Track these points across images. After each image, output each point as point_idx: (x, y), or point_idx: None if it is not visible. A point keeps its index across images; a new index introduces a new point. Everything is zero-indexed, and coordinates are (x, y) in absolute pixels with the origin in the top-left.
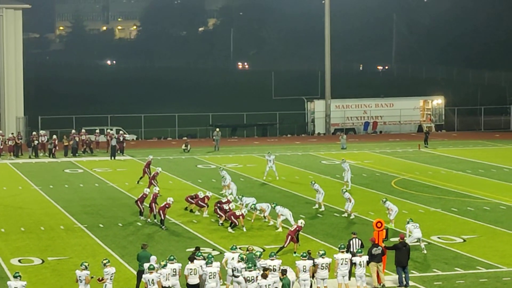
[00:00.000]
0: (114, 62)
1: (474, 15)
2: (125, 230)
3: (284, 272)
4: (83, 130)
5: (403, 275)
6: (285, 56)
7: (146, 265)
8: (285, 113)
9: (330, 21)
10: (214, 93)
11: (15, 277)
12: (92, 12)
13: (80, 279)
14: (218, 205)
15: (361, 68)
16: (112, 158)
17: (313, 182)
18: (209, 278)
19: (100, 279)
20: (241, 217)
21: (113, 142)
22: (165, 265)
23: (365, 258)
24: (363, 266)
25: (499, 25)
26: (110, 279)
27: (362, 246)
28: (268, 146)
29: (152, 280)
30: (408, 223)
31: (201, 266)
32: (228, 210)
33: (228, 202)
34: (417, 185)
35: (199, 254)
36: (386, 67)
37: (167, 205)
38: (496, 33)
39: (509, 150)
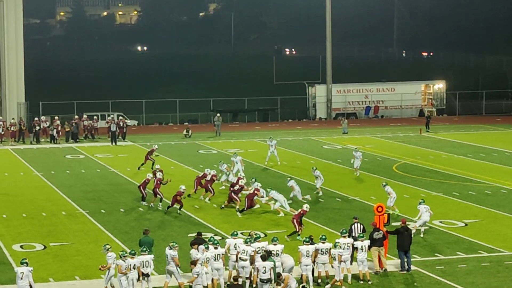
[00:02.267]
0: (116, 47)
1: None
2: (127, 215)
3: (268, 253)
4: (84, 116)
5: (405, 260)
6: (287, 40)
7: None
8: (286, 98)
9: (331, 6)
10: (215, 78)
11: (21, 263)
12: None
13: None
14: (231, 188)
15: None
16: (113, 143)
17: (314, 168)
18: (213, 260)
19: (103, 266)
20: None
21: (113, 128)
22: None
23: (367, 242)
24: (365, 251)
25: (501, 10)
26: (113, 263)
27: (364, 230)
28: (270, 131)
29: (134, 265)
30: (420, 204)
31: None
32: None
33: (239, 179)
34: (418, 170)
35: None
36: (431, 54)
37: (178, 194)
38: (497, 18)
39: (510, 134)
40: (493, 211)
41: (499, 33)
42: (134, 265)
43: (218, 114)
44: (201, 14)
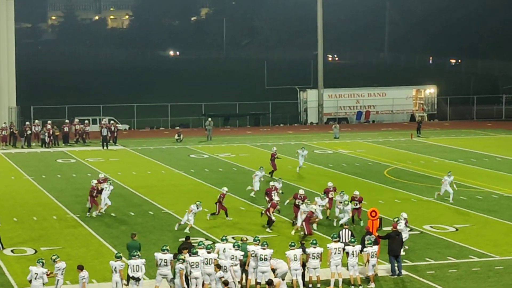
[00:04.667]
0: (107, 51)
1: (467, 4)
2: (118, 220)
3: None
4: (76, 120)
5: (396, 264)
6: (278, 45)
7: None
8: (277, 102)
9: (322, 10)
10: (207, 82)
11: (38, 262)
12: (84, 1)
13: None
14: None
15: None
16: (104, 147)
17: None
18: (192, 267)
19: (49, 273)
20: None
21: (104, 132)
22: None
23: (358, 247)
24: (356, 256)
25: (492, 14)
26: (61, 274)
27: (352, 236)
28: (261, 136)
29: (115, 268)
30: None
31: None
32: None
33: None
34: (409, 174)
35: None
36: (459, 61)
37: (222, 196)
38: (488, 22)
39: (501, 139)
40: (484, 216)
41: (490, 38)
42: (115, 267)
43: (210, 119)
44: (193, 18)
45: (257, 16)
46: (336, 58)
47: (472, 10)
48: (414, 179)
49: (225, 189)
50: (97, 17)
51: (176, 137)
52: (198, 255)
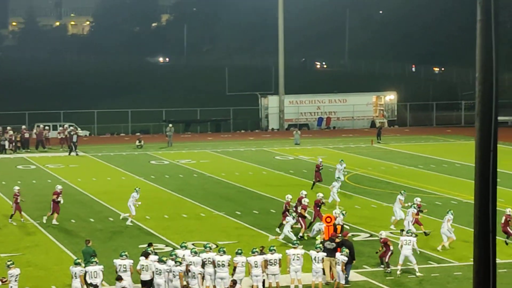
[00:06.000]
0: (68, 57)
1: (426, 11)
2: (78, 226)
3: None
4: (40, 126)
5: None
6: (239, 51)
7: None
8: (239, 108)
9: (283, 17)
10: (168, 88)
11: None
12: (45, 7)
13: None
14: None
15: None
16: (73, 154)
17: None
18: (157, 274)
19: (4, 280)
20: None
21: (74, 138)
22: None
23: (322, 254)
24: (319, 262)
25: (451, 21)
26: (15, 280)
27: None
28: (222, 142)
29: (75, 273)
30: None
31: (154, 262)
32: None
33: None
34: (370, 180)
35: (150, 250)
36: (443, 69)
37: (287, 204)
38: (447, 29)
39: (460, 145)
40: (440, 221)
41: (450, 45)
42: (75, 273)
43: (170, 125)
44: (153, 24)
45: (218, 23)
46: (325, 66)
47: (431, 18)
48: (375, 185)
49: (289, 196)
50: (57, 23)
51: (136, 143)
52: (164, 263)
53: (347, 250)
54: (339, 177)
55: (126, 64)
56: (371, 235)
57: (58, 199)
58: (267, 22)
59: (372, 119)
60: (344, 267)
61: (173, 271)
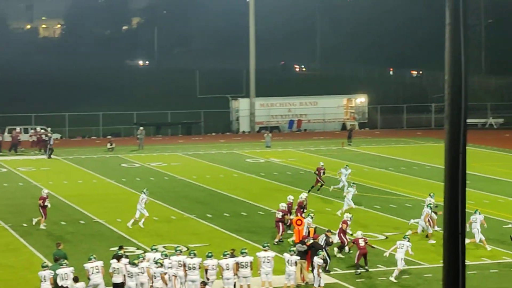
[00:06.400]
0: (39, 60)
1: (396, 15)
2: (49, 229)
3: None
4: (17, 129)
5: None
6: (210, 54)
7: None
8: (209, 111)
9: (254, 20)
10: (139, 91)
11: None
12: (16, 10)
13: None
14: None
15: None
16: (46, 156)
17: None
18: (128, 277)
19: None
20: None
21: (51, 141)
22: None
23: (296, 257)
24: (292, 264)
25: (420, 25)
26: None
27: (327, 244)
28: (193, 145)
29: (45, 277)
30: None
31: (125, 265)
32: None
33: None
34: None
35: (121, 253)
36: (421, 72)
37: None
38: (417, 33)
39: (430, 148)
40: (414, 224)
41: (420, 48)
42: (45, 276)
43: (141, 128)
44: (124, 27)
45: (188, 25)
46: (306, 69)
47: (401, 21)
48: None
49: (291, 197)
50: (29, 26)
51: (108, 146)
52: (136, 266)
53: (323, 253)
54: (354, 183)
55: (97, 67)
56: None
57: (46, 204)
58: (238, 25)
59: (343, 121)
60: (319, 271)
61: (155, 273)
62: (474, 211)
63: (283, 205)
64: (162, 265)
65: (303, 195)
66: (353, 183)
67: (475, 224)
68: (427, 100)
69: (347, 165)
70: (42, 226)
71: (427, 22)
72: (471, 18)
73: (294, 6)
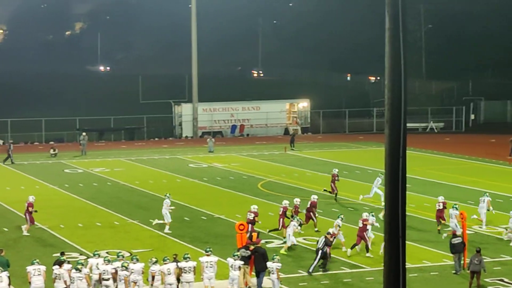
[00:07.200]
0: None
1: (338, 20)
2: None
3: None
4: None
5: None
6: (153, 60)
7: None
8: (152, 116)
9: (197, 25)
10: (81, 97)
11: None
12: None
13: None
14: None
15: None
16: (10, 163)
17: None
18: (71, 282)
19: None
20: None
21: (11, 147)
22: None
23: (239, 262)
24: (236, 269)
25: (363, 30)
26: None
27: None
28: (136, 150)
29: None
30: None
31: (68, 270)
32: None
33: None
34: (283, 187)
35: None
36: (378, 78)
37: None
38: (359, 38)
39: (372, 152)
40: (356, 228)
41: (362, 53)
42: None
43: (84, 133)
44: (67, 33)
45: (132, 31)
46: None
47: (343, 26)
48: (288, 192)
49: (286, 202)
50: None
51: (51, 152)
52: (79, 271)
53: (278, 257)
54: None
55: (39, 72)
56: (284, 242)
57: (33, 209)
58: (180, 31)
59: (285, 126)
60: (278, 274)
61: (119, 275)
62: (484, 193)
63: (286, 202)
64: (126, 268)
65: (315, 197)
66: (381, 173)
67: (482, 204)
68: (369, 105)
69: (381, 173)
70: (25, 233)
71: (369, 27)
72: (411, 23)
73: (237, 10)
